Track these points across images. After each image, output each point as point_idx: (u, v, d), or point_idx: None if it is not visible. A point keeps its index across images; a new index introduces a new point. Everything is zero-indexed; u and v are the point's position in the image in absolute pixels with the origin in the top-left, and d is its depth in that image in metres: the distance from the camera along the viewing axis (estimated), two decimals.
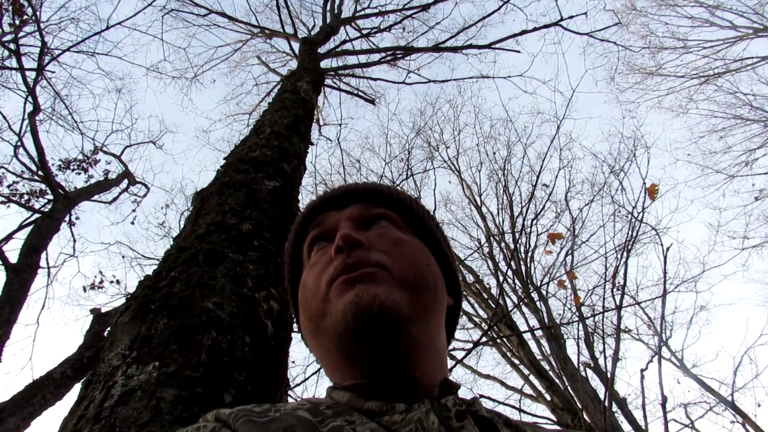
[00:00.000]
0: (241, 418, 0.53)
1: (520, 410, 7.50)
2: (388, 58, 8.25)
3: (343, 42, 7.91)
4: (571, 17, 6.98)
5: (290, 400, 2.67)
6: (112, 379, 1.18)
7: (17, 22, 7.38)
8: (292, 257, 0.83)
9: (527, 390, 9.05)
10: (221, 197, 2.10)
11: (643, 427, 6.65)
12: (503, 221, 11.70)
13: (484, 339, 8.27)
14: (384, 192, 0.80)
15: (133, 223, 11.54)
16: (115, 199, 10.63)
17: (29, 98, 7.01)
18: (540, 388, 8.59)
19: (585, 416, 7.16)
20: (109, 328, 1.48)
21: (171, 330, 1.31)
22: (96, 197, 9.86)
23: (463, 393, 0.72)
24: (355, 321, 0.60)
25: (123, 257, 11.08)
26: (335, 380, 0.68)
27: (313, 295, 0.67)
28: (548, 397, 8.32)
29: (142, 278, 1.67)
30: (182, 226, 2.16)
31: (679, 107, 13.96)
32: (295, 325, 1.66)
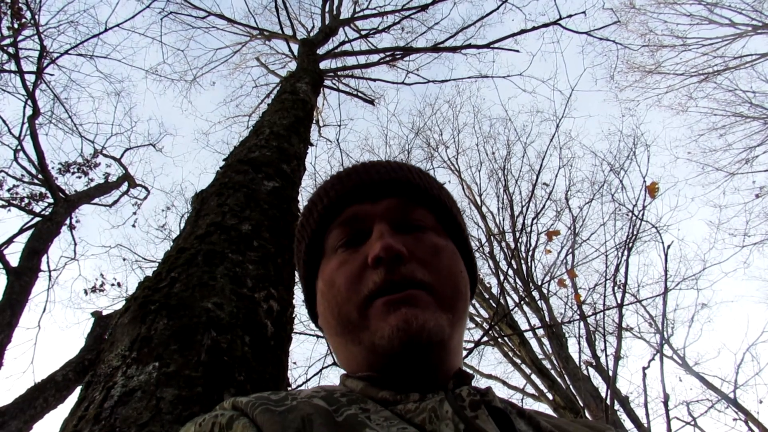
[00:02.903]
0: (259, 407, 0.53)
1: None
2: (387, 58, 8.26)
3: (342, 43, 7.92)
4: (569, 16, 6.98)
5: None
6: (112, 379, 1.19)
7: (16, 25, 7.39)
8: (312, 239, 0.77)
9: (529, 389, 9.06)
10: (221, 198, 2.10)
11: (646, 425, 6.65)
12: (503, 220, 11.72)
13: (485, 338, 8.27)
14: (420, 188, 0.75)
15: (134, 225, 11.54)
16: (115, 202, 10.66)
17: (29, 102, 7.02)
18: (542, 387, 8.60)
19: (587, 415, 7.16)
20: (109, 330, 1.48)
21: (171, 330, 1.32)
22: (96, 200, 9.88)
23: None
24: (401, 346, 0.59)
25: (124, 260, 11.12)
26: (349, 370, 0.68)
27: (345, 300, 0.66)
28: (550, 396, 8.32)
29: (142, 279, 1.67)
30: (182, 227, 2.16)
31: (678, 105, 13.97)
32: (294, 321, 1.66)
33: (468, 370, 0.65)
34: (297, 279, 2.16)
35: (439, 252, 0.69)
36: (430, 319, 0.61)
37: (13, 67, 7.39)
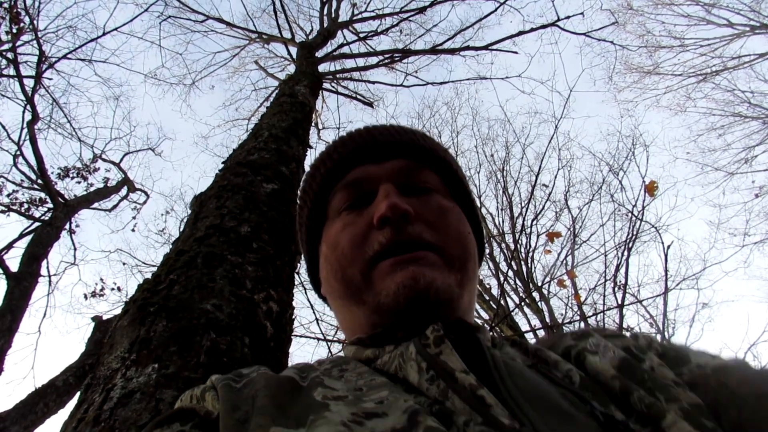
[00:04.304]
0: (222, 382, 0.53)
1: None
2: (386, 61, 8.27)
3: (341, 45, 7.92)
4: (567, 17, 6.96)
5: None
6: (111, 381, 1.18)
7: (14, 30, 7.40)
8: (315, 203, 0.76)
9: None
10: (220, 200, 2.10)
11: None
12: (503, 222, 11.71)
13: None
14: (426, 149, 0.74)
15: (133, 230, 11.53)
16: (115, 206, 10.64)
17: (28, 107, 7.02)
18: None
19: None
20: (109, 333, 1.48)
21: (170, 332, 1.31)
22: (96, 205, 9.86)
23: None
24: (406, 303, 0.58)
25: (124, 264, 11.13)
26: (351, 335, 0.68)
27: (349, 261, 0.64)
28: None
29: (141, 282, 1.67)
30: (181, 230, 2.17)
31: (677, 105, 13.96)
32: (294, 323, 1.66)
33: (479, 322, 0.65)
34: (296, 282, 2.16)
35: (446, 213, 0.68)
36: (438, 277, 0.60)
37: (12, 72, 7.40)
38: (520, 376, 0.51)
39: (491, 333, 0.63)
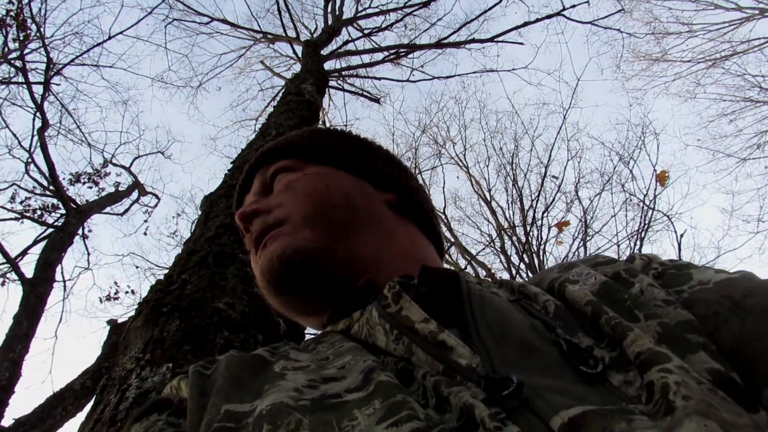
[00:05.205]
0: (194, 369, 0.52)
1: None
2: (392, 56, 8.24)
3: (346, 42, 7.92)
4: (573, 6, 6.90)
5: None
6: (126, 382, 1.19)
7: (21, 37, 7.45)
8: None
9: None
10: (229, 200, 2.10)
11: None
12: (513, 215, 11.64)
13: None
14: (276, 147, 0.77)
15: (145, 233, 11.58)
16: (126, 210, 10.69)
17: (37, 114, 7.08)
18: None
19: None
20: (123, 335, 1.48)
21: (183, 331, 1.32)
22: (108, 209, 9.93)
23: None
24: (276, 287, 0.62)
25: (137, 268, 11.18)
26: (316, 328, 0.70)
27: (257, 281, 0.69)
28: None
29: (153, 283, 1.67)
30: (192, 230, 2.17)
31: (686, 92, 13.78)
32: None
33: (451, 267, 0.63)
34: None
35: (290, 186, 0.70)
36: (280, 246, 0.62)
37: (20, 79, 7.46)
38: (491, 307, 0.50)
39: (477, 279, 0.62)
